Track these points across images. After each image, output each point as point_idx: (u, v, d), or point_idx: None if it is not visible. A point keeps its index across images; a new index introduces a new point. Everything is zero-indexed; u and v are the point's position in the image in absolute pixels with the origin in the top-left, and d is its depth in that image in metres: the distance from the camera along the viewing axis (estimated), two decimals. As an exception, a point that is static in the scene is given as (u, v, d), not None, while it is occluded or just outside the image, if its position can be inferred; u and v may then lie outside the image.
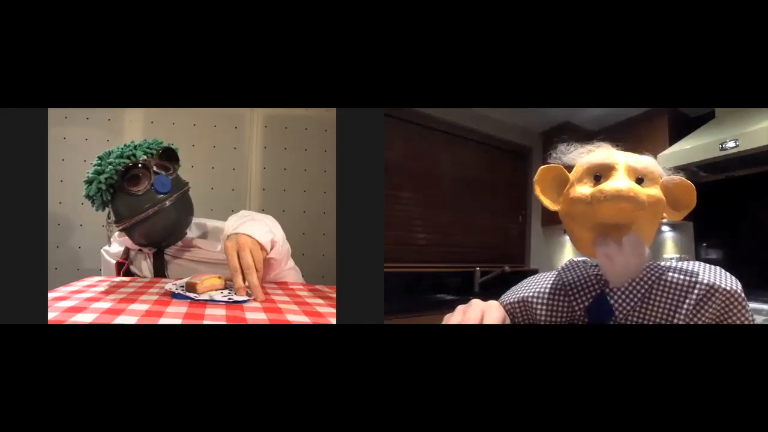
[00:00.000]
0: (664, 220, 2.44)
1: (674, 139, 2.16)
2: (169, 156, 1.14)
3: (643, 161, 0.55)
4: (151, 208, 1.05)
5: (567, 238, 2.99)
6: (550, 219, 2.74)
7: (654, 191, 0.54)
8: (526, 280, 0.66)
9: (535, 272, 0.58)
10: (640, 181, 0.54)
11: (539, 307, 0.61)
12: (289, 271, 1.13)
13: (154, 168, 1.08)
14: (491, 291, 2.31)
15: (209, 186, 1.96)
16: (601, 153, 0.57)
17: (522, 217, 2.83)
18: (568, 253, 2.94)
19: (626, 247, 0.53)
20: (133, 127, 1.94)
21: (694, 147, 1.93)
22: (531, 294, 0.62)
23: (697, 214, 2.52)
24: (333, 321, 0.70)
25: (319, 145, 2.03)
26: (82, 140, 1.88)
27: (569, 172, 0.59)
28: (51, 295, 0.83)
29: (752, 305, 1.46)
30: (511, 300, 0.64)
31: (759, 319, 1.42)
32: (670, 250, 2.45)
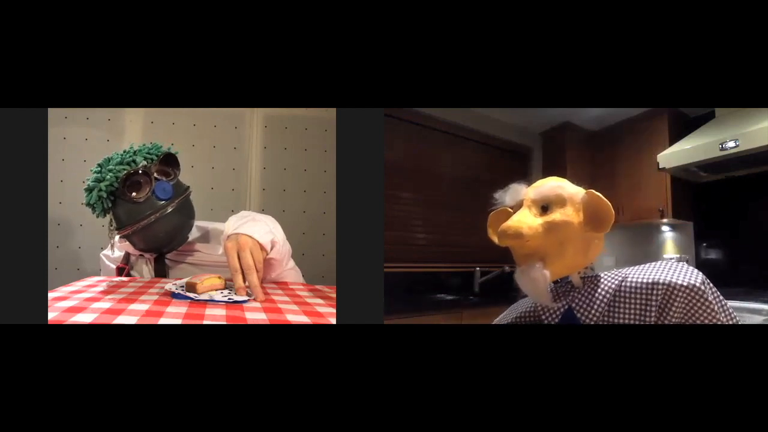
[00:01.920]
0: (664, 220, 2.42)
1: (674, 139, 2.16)
2: (169, 161, 1.14)
3: (544, 189, 0.59)
4: (153, 215, 1.05)
5: (567, 238, 2.98)
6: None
7: (557, 216, 0.57)
8: (510, 308, 0.71)
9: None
10: (545, 208, 0.58)
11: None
12: (289, 271, 1.12)
13: (155, 174, 1.08)
14: (491, 291, 2.31)
15: (209, 186, 1.96)
16: (510, 194, 0.63)
17: (522, 217, 2.82)
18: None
19: (521, 274, 0.58)
20: (133, 127, 1.94)
21: (694, 147, 1.93)
22: (507, 322, 0.67)
23: (697, 214, 2.52)
24: (333, 321, 0.69)
25: (319, 145, 2.03)
26: (82, 140, 1.88)
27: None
28: (51, 295, 0.83)
29: (752, 305, 1.46)
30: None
31: (759, 319, 1.42)
32: (670, 250, 2.45)
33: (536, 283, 0.56)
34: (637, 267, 0.60)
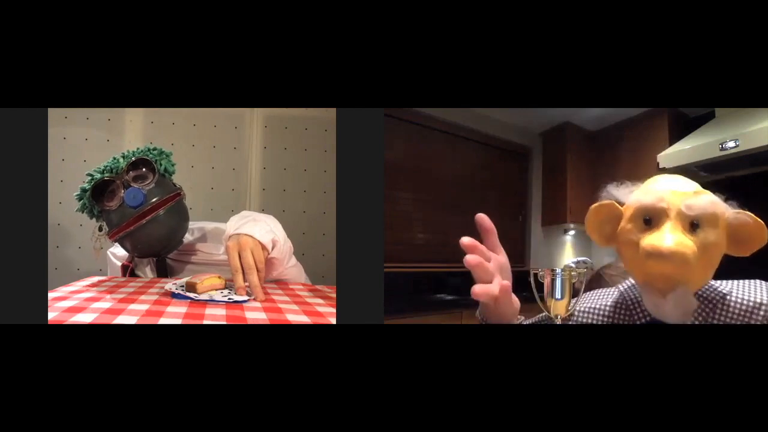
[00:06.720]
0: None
1: (674, 139, 2.16)
2: (144, 165, 1.10)
3: (700, 204, 0.51)
4: (128, 223, 1.04)
5: (567, 238, 2.99)
6: (550, 219, 2.74)
7: (710, 236, 0.51)
8: (587, 294, 0.65)
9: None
10: (695, 225, 0.51)
11: (601, 320, 0.61)
12: (291, 269, 1.13)
13: (122, 182, 1.06)
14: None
15: (209, 186, 1.96)
16: (653, 193, 0.53)
17: (522, 217, 2.83)
18: (568, 253, 2.94)
19: (670, 301, 0.52)
20: (133, 127, 1.94)
21: (694, 147, 1.93)
22: (593, 306, 0.63)
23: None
24: (333, 321, 0.69)
25: (319, 145, 2.03)
26: (82, 140, 1.88)
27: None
28: (51, 295, 0.83)
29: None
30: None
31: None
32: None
33: (686, 309, 0.51)
34: (729, 283, 0.57)
